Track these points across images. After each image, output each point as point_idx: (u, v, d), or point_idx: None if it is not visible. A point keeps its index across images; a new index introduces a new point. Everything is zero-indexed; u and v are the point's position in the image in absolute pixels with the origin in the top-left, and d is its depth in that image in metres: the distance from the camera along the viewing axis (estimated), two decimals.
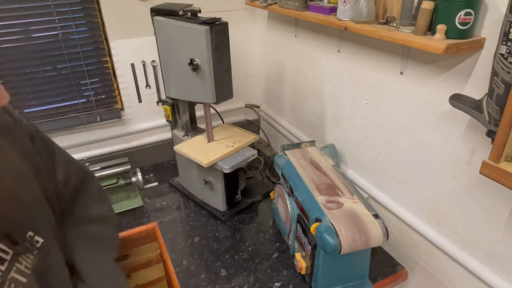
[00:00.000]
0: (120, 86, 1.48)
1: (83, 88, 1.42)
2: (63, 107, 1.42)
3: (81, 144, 1.49)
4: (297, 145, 1.27)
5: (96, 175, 1.34)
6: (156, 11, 1.18)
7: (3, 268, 0.48)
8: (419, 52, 0.91)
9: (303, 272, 1.01)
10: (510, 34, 0.61)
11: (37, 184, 0.59)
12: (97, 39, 1.39)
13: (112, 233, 0.82)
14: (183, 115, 1.35)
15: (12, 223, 0.52)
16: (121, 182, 1.38)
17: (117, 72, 1.46)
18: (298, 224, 1.04)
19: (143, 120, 1.59)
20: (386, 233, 0.88)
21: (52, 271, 0.57)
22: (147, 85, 1.53)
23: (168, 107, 1.34)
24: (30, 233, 0.55)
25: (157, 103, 1.57)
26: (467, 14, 0.73)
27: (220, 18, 1.09)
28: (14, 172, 0.55)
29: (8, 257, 0.49)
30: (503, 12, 0.64)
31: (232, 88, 1.19)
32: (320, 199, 0.99)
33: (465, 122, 0.85)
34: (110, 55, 1.42)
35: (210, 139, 1.29)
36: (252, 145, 1.30)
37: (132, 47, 1.44)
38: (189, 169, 1.36)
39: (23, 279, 0.51)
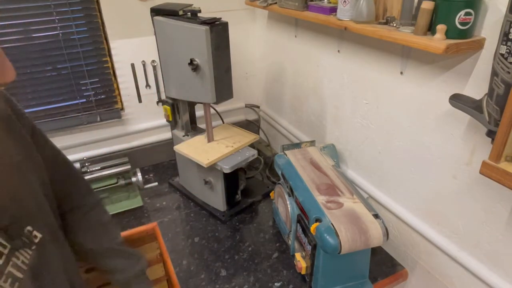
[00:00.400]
0: (120, 86, 1.48)
1: (83, 88, 1.42)
2: (63, 107, 1.42)
3: (81, 144, 1.49)
4: (297, 145, 1.27)
5: (96, 175, 1.34)
6: (156, 11, 1.18)
7: (0, 262, 0.48)
8: (419, 52, 0.91)
9: (303, 272, 1.01)
10: (510, 34, 0.61)
11: (35, 179, 0.59)
12: (97, 39, 1.39)
13: (108, 213, 0.86)
14: (183, 115, 1.35)
15: (10, 217, 0.52)
16: (121, 182, 1.38)
17: (117, 72, 1.46)
18: (298, 224, 1.04)
19: (143, 120, 1.59)
20: (386, 233, 0.88)
21: (48, 269, 0.57)
22: (147, 85, 1.53)
23: (168, 107, 1.34)
24: (29, 228, 0.54)
25: (157, 103, 1.57)
26: (467, 14, 0.73)
27: (220, 18, 1.09)
28: (11, 164, 0.55)
29: (5, 251, 0.49)
30: (503, 12, 0.64)
31: (232, 88, 1.19)
32: (320, 199, 0.99)
33: (465, 122, 0.85)
34: (110, 55, 1.42)
35: (210, 139, 1.29)
36: (252, 145, 1.30)
37: (132, 47, 1.44)
38: (189, 169, 1.36)
39: (20, 275, 0.50)
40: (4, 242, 0.49)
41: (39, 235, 0.56)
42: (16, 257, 0.51)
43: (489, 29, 0.76)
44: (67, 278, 0.62)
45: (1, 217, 0.51)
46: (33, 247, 0.54)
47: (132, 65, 1.47)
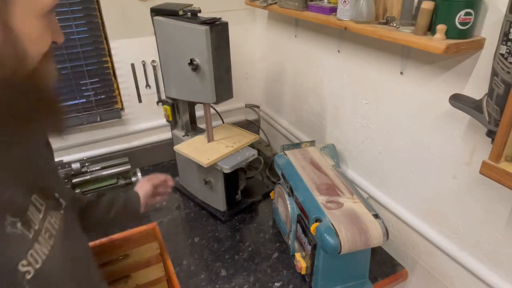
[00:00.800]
0: (120, 86, 1.48)
1: (83, 88, 1.42)
2: (63, 107, 1.42)
3: (81, 144, 1.49)
4: (297, 145, 1.27)
5: (96, 175, 1.34)
6: (156, 11, 1.18)
7: (40, 216, 0.53)
8: (419, 52, 0.91)
9: (303, 272, 1.01)
10: (510, 34, 0.61)
11: (52, 158, 0.69)
12: (97, 39, 1.39)
13: None
14: (183, 115, 1.35)
15: (44, 182, 0.59)
16: (121, 182, 1.38)
17: (117, 72, 1.46)
18: (298, 224, 1.04)
19: (143, 120, 1.59)
20: (386, 233, 0.88)
21: (72, 234, 0.63)
22: (147, 85, 1.53)
23: (168, 107, 1.34)
24: (56, 194, 0.61)
25: (157, 103, 1.57)
26: (467, 14, 0.73)
27: (220, 18, 1.09)
28: (43, 144, 0.65)
29: (42, 208, 0.55)
30: (503, 12, 0.64)
31: (232, 88, 1.19)
32: (320, 199, 0.99)
33: (465, 122, 0.85)
34: (110, 55, 1.42)
35: (210, 139, 1.29)
36: (252, 145, 1.29)
37: (132, 47, 1.44)
38: (189, 169, 1.36)
39: (54, 232, 0.56)
40: (41, 201, 0.55)
41: (63, 202, 0.62)
42: (50, 216, 0.56)
43: (489, 29, 0.76)
44: (85, 248, 0.70)
45: (38, 179, 0.57)
46: (61, 211, 0.60)
47: (132, 65, 1.47)
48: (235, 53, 1.32)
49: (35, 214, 0.52)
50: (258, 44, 1.71)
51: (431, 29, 0.80)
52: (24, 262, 0.47)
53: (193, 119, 1.41)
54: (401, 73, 0.99)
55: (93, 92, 1.45)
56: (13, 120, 0.46)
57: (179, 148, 1.27)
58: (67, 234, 0.59)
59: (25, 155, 0.57)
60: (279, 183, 1.19)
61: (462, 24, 0.74)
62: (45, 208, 0.55)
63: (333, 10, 1.05)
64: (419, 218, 1.06)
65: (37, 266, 0.49)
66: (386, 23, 0.92)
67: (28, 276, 0.47)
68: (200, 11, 1.13)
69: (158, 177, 1.04)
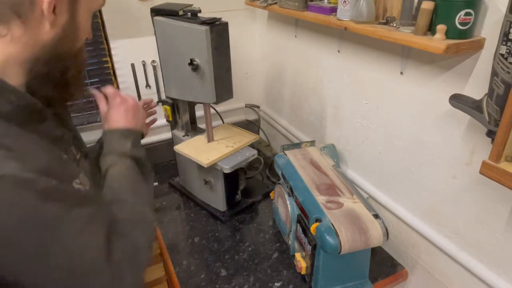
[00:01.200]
0: (120, 86, 1.48)
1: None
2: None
3: None
4: (297, 145, 1.27)
5: None
6: (156, 11, 1.18)
7: (78, 156, 0.67)
8: (419, 52, 0.92)
9: (303, 272, 1.01)
10: (510, 34, 0.61)
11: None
12: (97, 39, 1.39)
13: None
14: (183, 115, 1.35)
15: (76, 134, 0.74)
16: None
17: (117, 72, 1.46)
18: (298, 224, 1.04)
19: None
20: (386, 233, 0.88)
21: (97, 182, 0.72)
22: (147, 85, 1.53)
23: (168, 107, 1.34)
24: (84, 148, 0.75)
25: (157, 103, 1.57)
26: (467, 14, 0.73)
27: (220, 18, 1.09)
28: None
29: (78, 152, 0.67)
30: (503, 12, 0.64)
31: (232, 88, 1.19)
32: (320, 199, 0.99)
33: (465, 122, 0.85)
34: (110, 55, 1.42)
35: (210, 139, 1.29)
36: (252, 145, 1.29)
37: (132, 47, 1.44)
38: (189, 169, 1.36)
39: (87, 172, 0.66)
40: (75, 147, 0.67)
41: (89, 155, 0.75)
42: (83, 161, 0.69)
43: (489, 29, 0.76)
44: None
45: (73, 131, 0.72)
46: (88, 161, 0.73)
47: (132, 65, 1.47)
48: (235, 53, 1.32)
49: (74, 152, 0.66)
50: (258, 44, 1.71)
51: (431, 29, 0.80)
52: (77, 180, 0.58)
53: (193, 119, 1.41)
54: (401, 73, 0.99)
55: None
56: (63, 84, 0.60)
57: (179, 148, 1.27)
58: (95, 181, 0.70)
59: (66, 111, 0.73)
60: (279, 183, 1.19)
61: (462, 24, 0.74)
62: (80, 153, 0.68)
63: (333, 10, 1.05)
64: (419, 218, 1.06)
65: (87, 187, 0.60)
66: (386, 23, 0.92)
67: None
68: (200, 11, 1.13)
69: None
